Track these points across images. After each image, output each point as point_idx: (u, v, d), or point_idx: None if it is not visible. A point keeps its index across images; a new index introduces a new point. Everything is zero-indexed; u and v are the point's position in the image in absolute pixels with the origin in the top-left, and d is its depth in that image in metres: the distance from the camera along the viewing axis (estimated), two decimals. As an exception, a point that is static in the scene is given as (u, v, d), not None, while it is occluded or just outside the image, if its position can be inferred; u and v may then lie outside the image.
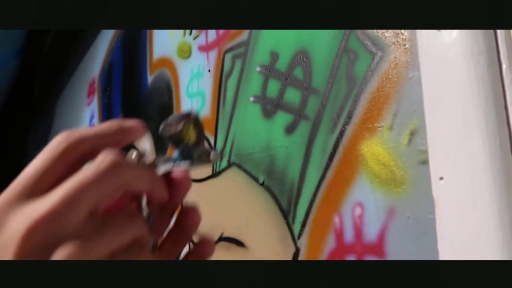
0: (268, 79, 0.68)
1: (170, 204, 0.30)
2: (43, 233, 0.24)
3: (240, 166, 0.73)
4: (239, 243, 0.71)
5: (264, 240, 0.65)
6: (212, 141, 0.82)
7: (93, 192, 0.24)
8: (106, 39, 1.69)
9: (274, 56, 0.68)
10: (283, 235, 0.61)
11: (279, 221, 0.62)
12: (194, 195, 0.86)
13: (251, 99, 0.72)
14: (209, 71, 0.87)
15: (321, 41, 0.59)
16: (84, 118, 1.86)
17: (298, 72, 0.62)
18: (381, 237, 0.46)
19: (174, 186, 0.30)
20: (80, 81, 2.07)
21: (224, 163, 0.78)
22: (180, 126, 0.32)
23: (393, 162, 0.46)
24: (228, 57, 0.81)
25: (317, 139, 0.57)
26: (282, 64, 0.66)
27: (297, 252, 0.58)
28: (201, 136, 0.32)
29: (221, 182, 0.78)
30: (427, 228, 0.41)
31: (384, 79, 0.48)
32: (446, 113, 0.39)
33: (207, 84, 0.87)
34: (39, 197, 0.24)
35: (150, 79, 1.18)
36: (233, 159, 0.75)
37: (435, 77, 0.40)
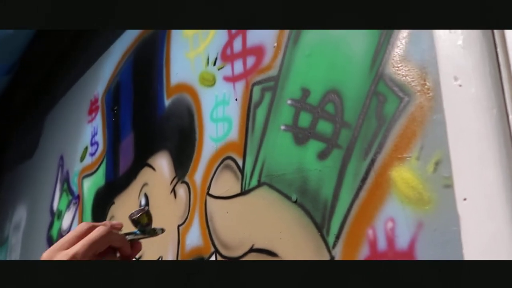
0: (300, 111, 0.80)
1: (130, 256, 0.63)
2: (76, 259, 0.54)
3: (271, 186, 0.84)
4: (271, 253, 0.81)
5: (298, 250, 0.75)
6: (240, 163, 0.92)
7: (94, 244, 0.56)
8: (111, 60, 1.77)
9: (305, 92, 0.79)
10: (317, 246, 0.72)
11: (313, 234, 0.73)
12: (221, 211, 0.96)
13: (282, 127, 0.83)
14: (236, 100, 0.97)
15: (351, 83, 0.71)
16: (84, 133, 1.91)
17: (329, 108, 0.74)
18: (412, 245, 0.58)
19: (133, 247, 0.63)
20: (77, 97, 2.12)
21: (253, 183, 0.88)
22: (138, 215, 0.65)
23: (421, 185, 0.58)
24: (256, 89, 0.92)
25: (349, 165, 0.69)
26: (313, 99, 0.77)
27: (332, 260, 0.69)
28: (150, 221, 0.66)
29: (251, 199, 0.88)
30: (451, 238, 0.53)
31: (411, 119, 0.61)
32: (466, 149, 0.52)
33: (233, 111, 0.97)
34: (70, 248, 0.56)
35: (167, 102, 1.27)
36: (263, 179, 0.86)
37: (457, 121, 0.53)
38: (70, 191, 1.97)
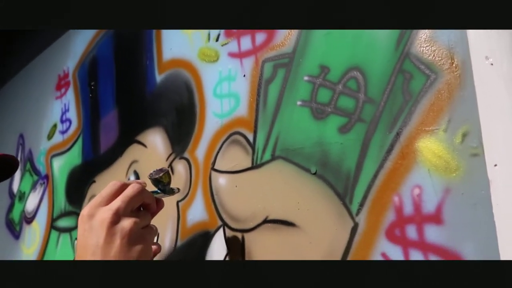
0: (318, 88, 0.83)
1: (155, 212, 0.66)
2: (119, 215, 0.56)
3: (286, 159, 0.86)
4: (288, 223, 0.84)
5: (318, 219, 0.79)
6: (250, 138, 0.94)
7: (132, 200, 0.58)
8: (83, 34, 1.69)
9: (324, 69, 0.83)
10: (339, 214, 0.76)
11: (335, 203, 0.77)
12: (229, 185, 0.97)
13: (299, 103, 0.86)
14: (244, 75, 0.98)
15: (375, 61, 0.75)
16: (51, 110, 1.81)
17: (352, 84, 0.78)
18: (439, 208, 0.64)
19: (158, 205, 0.66)
20: (39, 72, 2.00)
21: (267, 157, 0.90)
22: (161, 174, 0.69)
23: (448, 155, 0.64)
24: (268, 65, 0.94)
25: (374, 138, 0.73)
26: (333, 76, 0.81)
27: (355, 226, 0.73)
28: (170, 180, 0.71)
29: (264, 172, 0.90)
30: (479, 200, 0.59)
31: (438, 95, 0.66)
32: (497, 121, 0.58)
33: (241, 87, 0.98)
34: (110, 204, 0.57)
35: (159, 77, 1.25)
36: (278, 153, 0.88)
37: (488, 96, 0.59)
38: (34, 171, 1.87)
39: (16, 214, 1.95)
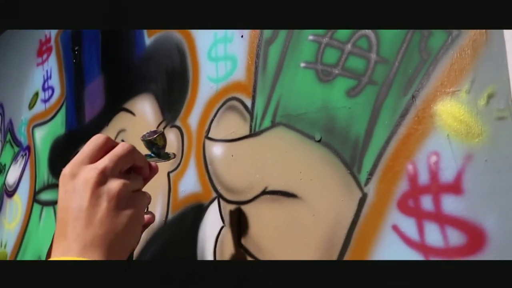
0: (324, 48, 0.76)
1: (148, 178, 0.58)
2: (106, 175, 0.49)
3: (288, 126, 0.80)
4: (288, 194, 0.78)
5: (322, 189, 0.73)
6: (248, 103, 0.87)
7: (121, 160, 0.51)
8: (67, -6, 1.56)
9: (332, 27, 0.75)
10: (346, 183, 0.70)
11: (341, 172, 0.71)
12: (224, 155, 0.91)
13: (302, 64, 0.79)
14: (242, 36, 0.91)
15: (389, 17, 0.68)
16: (32, 78, 1.71)
17: (362, 43, 0.71)
18: (458, 177, 0.58)
19: (151, 169, 0.58)
20: (19, 38, 1.88)
21: (266, 123, 0.83)
22: (155, 136, 0.61)
23: (471, 119, 0.58)
24: (268, 24, 0.86)
25: (386, 101, 0.67)
26: (342, 34, 0.74)
27: (364, 197, 0.68)
28: (165, 143, 0.63)
29: (263, 140, 0.84)
30: (505, 167, 0.54)
31: (460, 53, 0.60)
32: (529, 80, 0.52)
33: (239, 49, 0.91)
34: (96, 162, 0.50)
35: (148, 41, 1.16)
36: (278, 119, 0.82)
37: (520, 52, 0.53)
38: (15, 142, 1.77)
39: (-4, 187, 1.86)
